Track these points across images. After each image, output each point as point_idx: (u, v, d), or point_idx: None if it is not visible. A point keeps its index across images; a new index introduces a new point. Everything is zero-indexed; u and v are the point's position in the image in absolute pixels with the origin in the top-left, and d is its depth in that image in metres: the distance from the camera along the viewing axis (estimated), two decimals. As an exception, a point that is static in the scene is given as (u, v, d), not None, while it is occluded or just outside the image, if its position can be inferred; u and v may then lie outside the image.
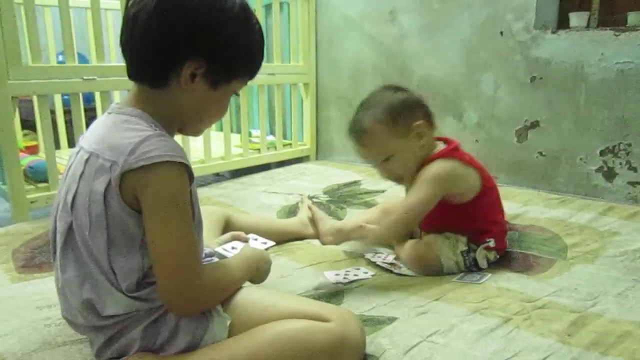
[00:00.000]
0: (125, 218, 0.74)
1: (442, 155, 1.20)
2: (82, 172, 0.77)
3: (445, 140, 1.26)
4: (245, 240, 1.15)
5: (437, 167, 1.17)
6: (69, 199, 0.77)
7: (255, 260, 0.95)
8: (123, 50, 0.81)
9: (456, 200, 1.20)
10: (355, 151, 1.24)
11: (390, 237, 1.24)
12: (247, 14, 0.83)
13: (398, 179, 1.25)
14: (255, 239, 1.20)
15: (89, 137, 0.81)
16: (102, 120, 0.83)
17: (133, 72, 0.82)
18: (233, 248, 1.09)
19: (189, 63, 0.78)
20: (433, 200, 1.16)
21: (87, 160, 0.77)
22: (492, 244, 1.21)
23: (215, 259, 0.96)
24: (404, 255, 1.25)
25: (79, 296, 0.77)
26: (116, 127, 0.78)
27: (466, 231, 1.22)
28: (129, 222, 0.75)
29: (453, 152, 1.21)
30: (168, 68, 0.79)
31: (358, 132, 1.20)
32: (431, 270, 1.21)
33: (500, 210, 1.30)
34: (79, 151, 0.81)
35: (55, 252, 0.81)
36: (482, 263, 1.21)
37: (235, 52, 0.82)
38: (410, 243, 1.27)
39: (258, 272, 0.95)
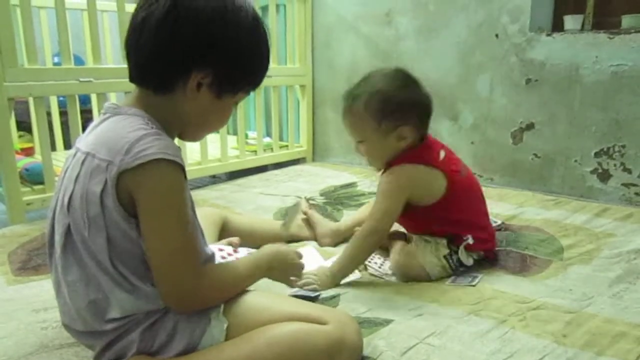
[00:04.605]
0: (120, 221, 0.74)
1: (406, 159, 1.17)
2: (78, 174, 0.76)
3: (424, 139, 1.22)
4: (235, 245, 1.15)
5: (395, 175, 1.17)
6: (65, 200, 0.77)
7: (267, 260, 0.91)
8: (128, 54, 0.80)
9: (420, 202, 1.18)
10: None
11: (364, 255, 1.20)
12: (258, 26, 0.82)
13: (368, 161, 1.25)
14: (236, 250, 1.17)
15: (85, 139, 0.80)
16: (98, 121, 0.83)
17: (137, 76, 0.81)
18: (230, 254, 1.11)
19: (196, 72, 0.78)
20: (396, 209, 1.16)
21: (83, 161, 0.76)
22: (470, 240, 1.18)
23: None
24: (392, 263, 1.23)
25: (84, 297, 0.76)
26: (112, 127, 0.78)
27: (443, 234, 1.20)
28: (125, 225, 0.74)
29: (418, 156, 1.18)
30: (175, 76, 0.78)
31: (346, 107, 1.18)
32: (418, 279, 1.19)
33: (479, 213, 1.27)
34: (75, 153, 0.80)
35: (51, 255, 0.81)
36: (467, 261, 1.20)
37: (244, 65, 0.82)
38: (394, 250, 1.23)
39: (272, 270, 0.92)
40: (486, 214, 1.30)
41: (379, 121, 1.14)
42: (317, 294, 1.09)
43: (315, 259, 1.26)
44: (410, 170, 1.17)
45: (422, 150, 1.20)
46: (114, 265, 0.75)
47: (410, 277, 1.19)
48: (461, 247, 1.19)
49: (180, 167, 0.75)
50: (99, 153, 0.75)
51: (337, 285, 1.14)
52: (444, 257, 1.19)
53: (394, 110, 1.14)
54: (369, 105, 1.14)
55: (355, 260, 1.17)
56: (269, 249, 0.94)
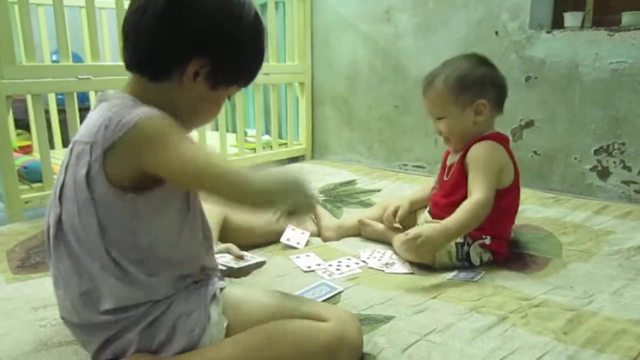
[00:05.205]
0: (113, 200, 0.73)
1: (493, 137, 1.24)
2: (68, 162, 0.77)
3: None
4: (239, 257, 1.16)
5: (489, 148, 1.21)
6: (57, 191, 0.77)
7: (284, 176, 0.79)
8: (125, 39, 0.79)
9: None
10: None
11: (474, 225, 1.15)
12: (260, 24, 0.83)
13: (445, 139, 1.31)
14: (293, 229, 1.37)
15: (79, 130, 0.81)
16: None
17: (133, 61, 0.80)
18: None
19: (195, 60, 0.78)
20: (496, 180, 1.19)
21: (71, 150, 0.77)
22: (487, 241, 1.21)
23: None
24: (398, 242, 1.24)
25: (76, 288, 0.76)
26: (96, 112, 0.78)
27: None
28: (116, 203, 0.74)
29: (503, 140, 1.25)
30: (173, 63, 0.78)
31: (427, 84, 1.27)
32: (424, 258, 1.20)
33: (511, 218, 1.30)
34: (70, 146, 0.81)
35: (50, 249, 0.81)
36: (475, 260, 1.21)
37: (243, 59, 0.82)
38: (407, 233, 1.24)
39: (286, 194, 0.77)
40: (513, 221, 1.32)
41: (457, 94, 1.21)
42: (337, 291, 1.09)
43: (312, 261, 1.25)
44: (498, 146, 1.23)
45: (500, 136, 1.26)
46: (107, 250, 0.75)
47: (416, 252, 1.18)
48: (475, 243, 1.20)
49: (164, 117, 0.74)
50: (83, 137, 0.75)
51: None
52: (455, 243, 1.20)
53: (470, 85, 1.21)
54: (448, 79, 1.22)
55: (470, 226, 1.15)
56: (284, 169, 0.89)
